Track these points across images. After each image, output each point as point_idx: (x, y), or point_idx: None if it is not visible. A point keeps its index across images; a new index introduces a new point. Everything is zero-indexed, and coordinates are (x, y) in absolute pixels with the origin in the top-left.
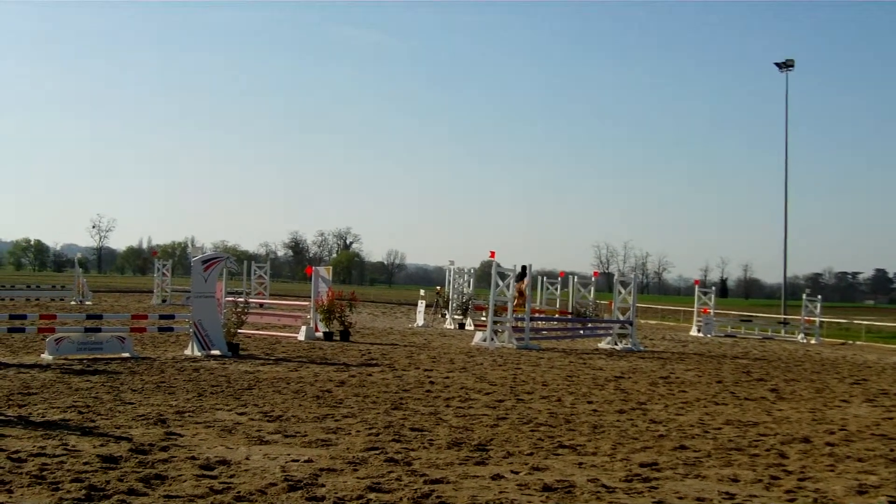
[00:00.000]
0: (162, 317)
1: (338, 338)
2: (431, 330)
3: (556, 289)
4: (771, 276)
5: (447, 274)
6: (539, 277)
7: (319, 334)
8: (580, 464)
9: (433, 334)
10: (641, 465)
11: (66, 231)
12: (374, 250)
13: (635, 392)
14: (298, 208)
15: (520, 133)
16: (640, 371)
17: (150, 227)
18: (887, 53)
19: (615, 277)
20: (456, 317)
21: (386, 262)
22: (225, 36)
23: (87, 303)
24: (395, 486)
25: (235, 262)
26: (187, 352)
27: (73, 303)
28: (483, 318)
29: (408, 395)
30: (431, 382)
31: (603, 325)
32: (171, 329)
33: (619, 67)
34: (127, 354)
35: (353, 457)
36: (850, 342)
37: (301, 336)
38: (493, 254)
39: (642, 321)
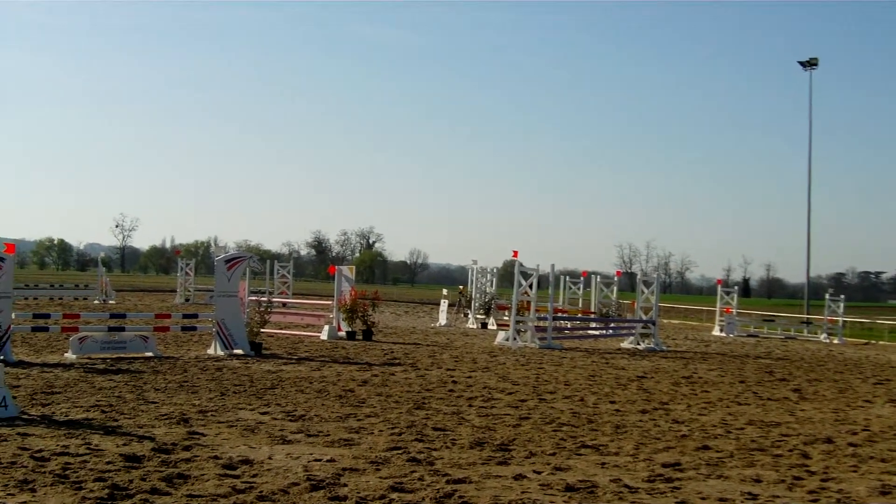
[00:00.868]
0: (185, 316)
1: (360, 337)
2: (454, 329)
3: (579, 288)
4: (794, 275)
5: (470, 273)
6: (562, 277)
7: (342, 333)
8: (603, 464)
9: (456, 334)
10: (664, 466)
11: (89, 230)
12: (396, 250)
13: (658, 392)
14: (321, 207)
15: (543, 132)
16: (662, 371)
17: (174, 227)
18: None
19: (638, 277)
20: (479, 316)
21: (408, 262)
22: (248, 35)
23: (111, 302)
24: (417, 485)
25: (258, 261)
26: (210, 351)
27: (96, 302)
28: (506, 318)
29: (430, 395)
30: (454, 382)
31: (626, 324)
32: (194, 328)
33: (643, 65)
34: (150, 354)
35: (376, 456)
36: (874, 342)
37: (324, 335)
38: (515, 253)
39: (665, 321)
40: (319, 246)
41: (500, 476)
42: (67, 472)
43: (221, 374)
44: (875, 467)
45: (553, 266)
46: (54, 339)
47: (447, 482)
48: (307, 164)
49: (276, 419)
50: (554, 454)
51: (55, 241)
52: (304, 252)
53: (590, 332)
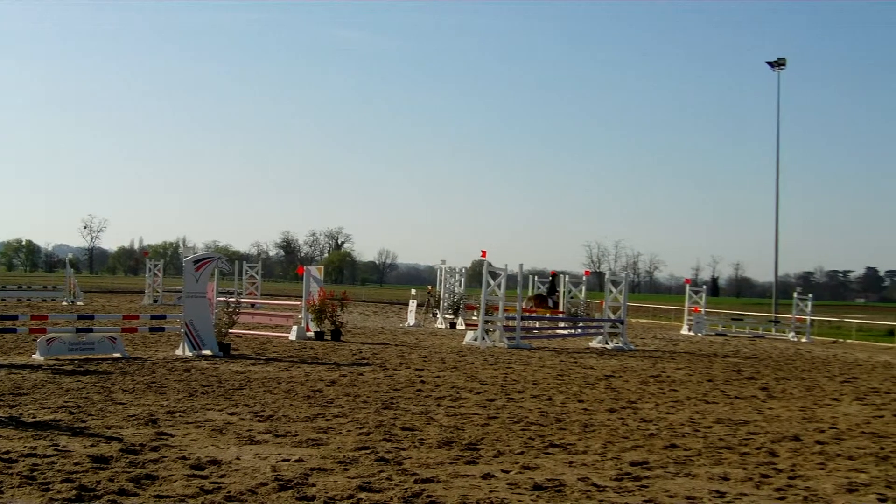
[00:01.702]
0: (153, 317)
1: (329, 337)
2: (423, 329)
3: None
4: (762, 274)
5: (438, 273)
6: (531, 277)
7: (311, 334)
8: (571, 463)
9: (424, 334)
10: (632, 464)
11: (57, 231)
12: (365, 250)
13: (626, 391)
14: (290, 208)
15: (512, 132)
16: (630, 370)
17: (142, 228)
18: (880, 52)
19: (606, 276)
20: (447, 316)
21: (377, 262)
22: (215, 36)
23: (79, 303)
24: (385, 485)
25: (227, 262)
26: (178, 352)
27: (64, 303)
28: (474, 318)
29: (399, 395)
30: (422, 382)
31: (594, 324)
32: (162, 329)
33: (611, 66)
34: (118, 355)
35: (344, 456)
36: (841, 340)
37: (292, 336)
38: (484, 253)
39: (633, 320)
40: (288, 246)
41: (469, 475)
42: (35, 474)
43: (190, 375)
44: (842, 465)
45: (521, 266)
46: (22, 340)
47: (415, 482)
48: (276, 165)
49: (244, 419)
50: (522, 453)
51: (23, 243)
52: (272, 253)
53: (558, 331)
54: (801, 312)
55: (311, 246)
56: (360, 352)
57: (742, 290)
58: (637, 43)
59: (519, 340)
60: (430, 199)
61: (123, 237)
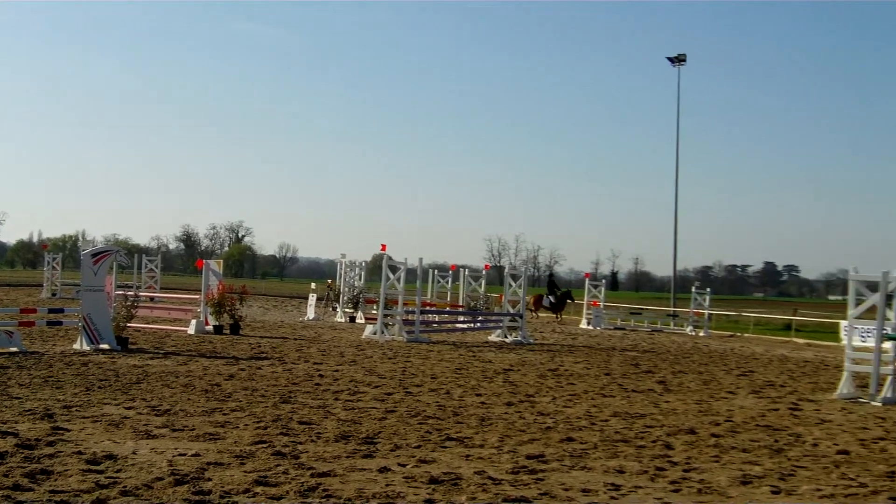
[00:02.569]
0: (51, 311)
1: (228, 331)
2: (322, 323)
3: (448, 282)
4: (662, 269)
5: (338, 267)
6: (431, 271)
7: (209, 328)
8: (467, 456)
9: (324, 328)
10: (528, 458)
11: None
12: (266, 243)
13: (524, 384)
14: (191, 201)
15: (411, 126)
16: (528, 364)
17: (42, 221)
18: (780, 48)
19: (506, 270)
20: (347, 310)
21: (278, 256)
22: (111, 29)
23: None
24: (281, 479)
25: (126, 255)
26: (76, 346)
27: None
28: (374, 312)
29: (297, 389)
30: (321, 376)
31: (493, 318)
32: (59, 323)
33: (511, 61)
34: (15, 349)
35: (241, 450)
36: (739, 334)
37: (191, 330)
38: (384, 247)
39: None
40: (188, 240)
41: (365, 469)
42: None
43: (87, 369)
44: (737, 457)
45: (421, 260)
46: None
47: (312, 475)
48: (177, 158)
49: (141, 414)
50: (419, 447)
51: None
52: (172, 246)
53: (458, 325)
54: (699, 306)
55: (211, 239)
56: (259, 346)
57: (641, 284)
58: (537, 38)
59: (418, 334)
60: (332, 192)
61: (22, 230)
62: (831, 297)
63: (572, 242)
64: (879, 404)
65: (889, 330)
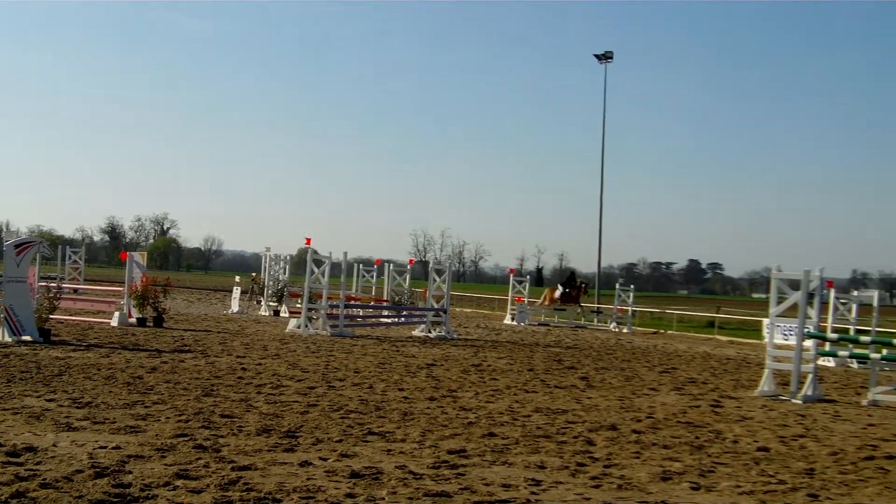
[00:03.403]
0: None
1: (151, 324)
2: (246, 317)
3: (373, 276)
4: (587, 265)
5: (263, 260)
6: (356, 265)
7: (133, 320)
8: (389, 451)
9: (248, 321)
10: (449, 452)
11: None
12: (191, 236)
13: (447, 380)
14: (116, 193)
15: (338, 119)
16: (452, 359)
17: None
18: (705, 45)
19: (430, 265)
20: (271, 303)
21: (203, 249)
22: (32, 20)
23: None
24: (202, 472)
25: (49, 246)
26: None
27: None
28: (298, 305)
29: (219, 382)
30: (244, 369)
31: (417, 312)
32: None
33: (442, 57)
34: None
35: (162, 443)
36: (662, 331)
37: (114, 322)
38: (308, 241)
39: (458, 309)
40: (113, 232)
41: (286, 463)
42: None
43: (8, 361)
44: (657, 454)
45: (346, 254)
46: None
47: (232, 469)
48: (101, 150)
49: (62, 406)
50: (341, 441)
51: None
52: (97, 238)
53: (382, 319)
54: (623, 303)
55: (136, 231)
56: (183, 338)
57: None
58: (466, 34)
59: (342, 328)
60: (258, 185)
61: None
62: (755, 296)
63: (498, 238)
64: (800, 402)
65: (810, 328)
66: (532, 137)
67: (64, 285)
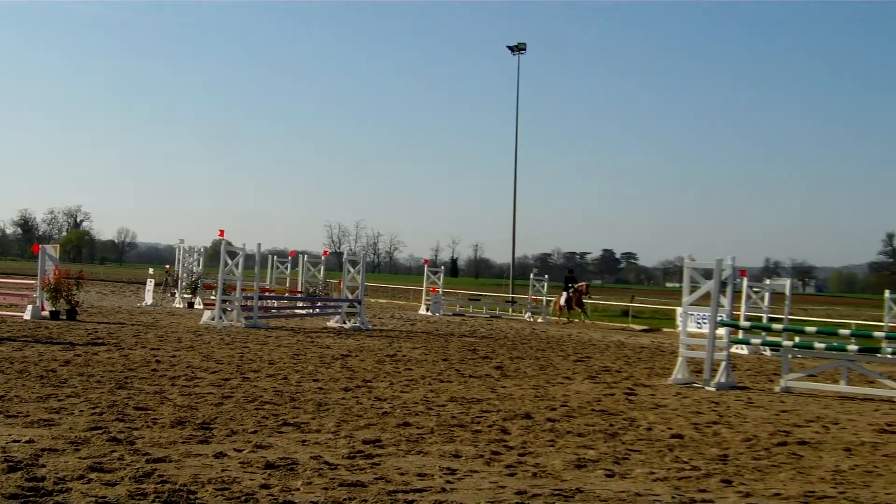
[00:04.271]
0: None
1: (65, 317)
2: (160, 309)
3: (287, 268)
4: (501, 255)
5: (177, 252)
6: (270, 256)
7: (46, 313)
8: (304, 441)
9: (162, 313)
10: (364, 442)
11: None
12: (104, 229)
13: (361, 370)
14: (28, 185)
15: (251, 112)
16: (367, 349)
17: None
18: (618, 36)
19: (345, 257)
20: (185, 296)
21: (117, 241)
22: None
23: None
24: (116, 465)
25: None
26: None
27: None
28: (212, 297)
29: (133, 375)
30: (158, 361)
31: (332, 303)
32: None
33: (354, 50)
34: None
35: (76, 437)
36: (576, 321)
37: (27, 315)
38: (222, 232)
39: (373, 300)
40: (26, 225)
41: (201, 454)
42: None
43: None
44: (571, 441)
45: (259, 245)
46: None
47: (147, 461)
48: (13, 142)
49: None
50: (255, 432)
51: None
52: (9, 231)
53: (297, 311)
54: (537, 293)
55: (49, 224)
56: (96, 331)
57: (481, 270)
58: (378, 28)
59: (256, 320)
60: (172, 176)
61: None
62: (668, 285)
63: (413, 229)
64: (713, 389)
65: (723, 316)
66: (446, 129)
67: None
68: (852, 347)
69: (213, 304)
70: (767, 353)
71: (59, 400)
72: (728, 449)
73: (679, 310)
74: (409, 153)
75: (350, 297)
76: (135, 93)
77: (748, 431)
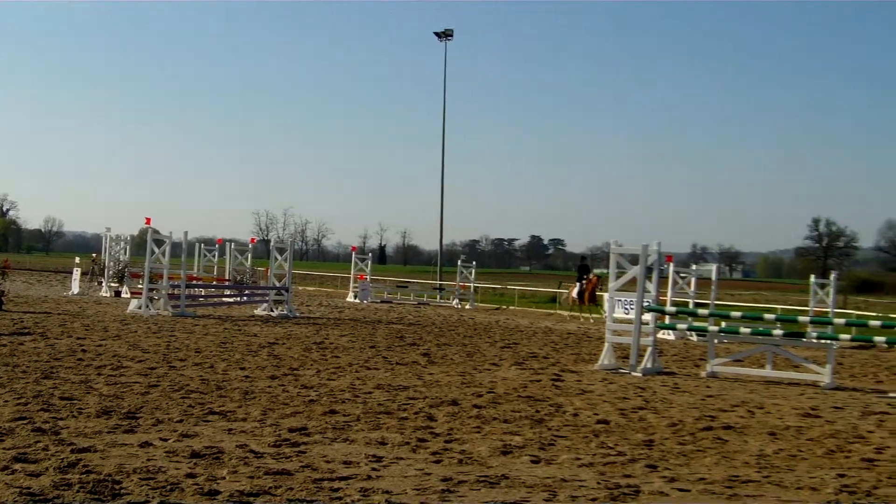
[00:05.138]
0: None
1: None
2: (87, 298)
3: (214, 256)
4: (429, 242)
5: (104, 241)
6: (197, 244)
7: None
8: (230, 430)
9: (88, 302)
10: (291, 431)
11: None
12: (30, 217)
13: (288, 358)
14: None
15: (173, 99)
16: (294, 337)
17: None
18: (545, 22)
19: (272, 244)
20: (112, 284)
21: (43, 230)
22: None
23: None
24: (41, 455)
25: None
26: None
27: None
28: (139, 286)
29: (59, 364)
30: (84, 351)
31: (259, 291)
32: None
33: (283, 36)
34: None
35: (0, 427)
36: (504, 307)
37: None
38: (148, 220)
39: (301, 288)
40: None
41: (127, 444)
42: None
43: None
44: (498, 428)
45: (186, 233)
46: None
47: (72, 451)
48: None
49: None
50: (181, 421)
51: None
52: None
53: (224, 299)
54: (465, 280)
55: None
56: (22, 321)
57: (409, 257)
58: (306, 12)
59: (183, 308)
60: (97, 164)
61: None
62: (596, 271)
63: (341, 216)
64: (640, 375)
65: (649, 302)
66: (374, 115)
67: None
68: (777, 332)
69: (140, 293)
70: (694, 338)
71: None
72: (654, 434)
73: (605, 296)
74: (337, 139)
75: (277, 284)
76: (59, 79)
77: (674, 417)
